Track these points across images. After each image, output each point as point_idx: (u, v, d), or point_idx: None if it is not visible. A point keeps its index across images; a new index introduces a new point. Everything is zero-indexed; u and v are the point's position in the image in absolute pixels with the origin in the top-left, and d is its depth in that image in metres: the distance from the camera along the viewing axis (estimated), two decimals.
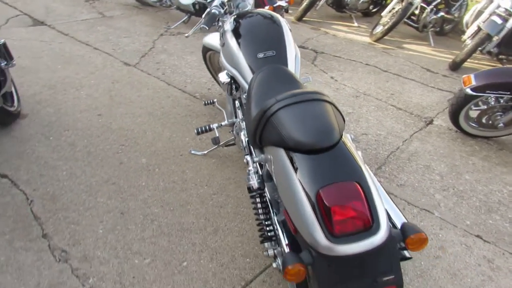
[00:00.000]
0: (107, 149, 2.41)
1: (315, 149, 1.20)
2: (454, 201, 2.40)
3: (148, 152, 2.43)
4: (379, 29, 5.02)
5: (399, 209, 1.41)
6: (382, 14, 5.06)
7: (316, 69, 4.01)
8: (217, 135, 2.19)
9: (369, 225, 1.07)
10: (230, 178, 2.30)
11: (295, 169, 1.19)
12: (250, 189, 1.51)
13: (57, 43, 3.72)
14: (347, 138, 1.32)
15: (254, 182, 1.50)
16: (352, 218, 1.06)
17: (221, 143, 2.33)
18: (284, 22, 2.01)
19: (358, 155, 1.25)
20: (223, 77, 2.00)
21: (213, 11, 1.93)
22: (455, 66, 4.35)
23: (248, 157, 1.66)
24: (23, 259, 1.68)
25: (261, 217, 1.49)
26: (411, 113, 3.35)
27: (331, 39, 4.97)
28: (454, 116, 2.99)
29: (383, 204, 1.12)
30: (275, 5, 3.83)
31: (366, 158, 2.71)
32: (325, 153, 1.20)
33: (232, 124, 2.22)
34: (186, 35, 2.02)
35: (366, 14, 6.06)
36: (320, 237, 1.06)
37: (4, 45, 1.98)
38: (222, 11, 1.95)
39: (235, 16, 2.06)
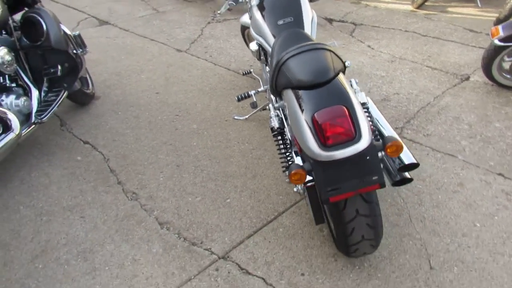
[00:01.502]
0: (164, 119, 2.86)
1: (313, 84, 1.50)
2: (480, 145, 2.55)
3: (198, 120, 2.85)
4: None
5: (392, 128, 1.70)
6: None
7: (353, 40, 4.20)
8: (255, 100, 2.52)
9: (353, 136, 1.36)
10: (268, 136, 2.64)
11: (299, 102, 1.51)
12: (272, 129, 1.84)
13: (120, 38, 4.28)
14: (344, 78, 1.60)
15: (275, 123, 1.82)
16: (339, 131, 1.36)
17: (259, 108, 2.67)
18: None
19: (351, 89, 1.53)
20: (252, 46, 2.35)
21: None
22: (500, 23, 4.30)
23: (270, 105, 1.99)
24: (104, 199, 2.17)
25: (282, 151, 1.82)
26: (446, 72, 3.46)
27: (371, 11, 5.09)
28: (487, 69, 3.07)
29: (367, 121, 1.41)
30: None
31: (396, 114, 2.91)
32: (322, 88, 1.50)
33: (266, 90, 2.56)
34: (218, 11, 2.37)
35: None
36: (315, 148, 1.37)
37: (79, 35, 2.48)
38: None
39: None
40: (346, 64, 2.68)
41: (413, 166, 1.69)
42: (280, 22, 2.13)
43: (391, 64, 3.64)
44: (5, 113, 2.11)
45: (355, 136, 1.37)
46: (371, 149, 1.38)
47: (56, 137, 2.65)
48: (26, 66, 2.39)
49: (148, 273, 1.76)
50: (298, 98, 1.53)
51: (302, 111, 1.47)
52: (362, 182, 1.38)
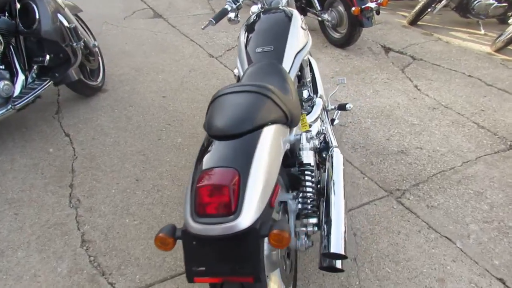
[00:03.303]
0: (154, 126, 2.75)
1: (221, 135, 1.25)
2: (492, 236, 2.06)
3: (186, 134, 2.69)
4: (504, 36, 4.37)
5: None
6: (510, 21, 4.40)
7: (401, 76, 3.75)
8: None
9: (230, 212, 1.09)
10: None
11: (202, 153, 1.27)
12: None
13: (162, 33, 4.27)
14: (272, 134, 1.31)
15: None
16: (215, 201, 1.10)
17: None
18: (297, 19, 2.01)
19: (271, 147, 1.25)
20: (236, 70, 2.12)
21: (225, 6, 2.04)
22: None
23: None
24: (47, 199, 2.10)
25: None
26: (494, 134, 2.91)
27: (440, 46, 4.53)
28: None
29: (260, 197, 1.12)
30: (363, 6, 3.72)
31: (405, 172, 2.49)
32: (230, 141, 1.24)
33: None
34: (202, 27, 2.18)
35: (502, 21, 5.30)
36: (187, 214, 1.13)
37: (75, 28, 2.45)
38: (235, 6, 2.05)
39: (261, 11, 2.15)
40: (347, 106, 2.36)
41: (341, 256, 1.37)
42: (259, 49, 1.88)
43: (431, 112, 3.16)
44: None
45: (233, 212, 1.09)
46: (251, 232, 1.10)
47: (43, 124, 2.66)
48: (23, 51, 2.41)
49: None
50: (205, 147, 1.29)
51: (199, 164, 1.23)
52: (232, 270, 1.11)
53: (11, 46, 2.37)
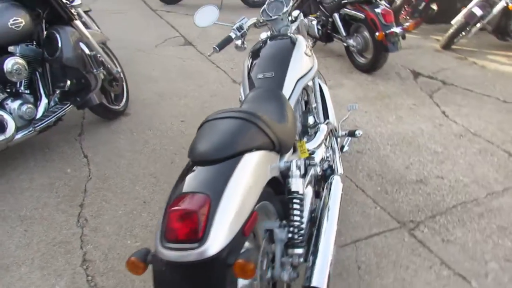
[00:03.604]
0: (169, 149, 2.80)
1: (202, 160, 1.25)
2: None
3: None
4: None
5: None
6: None
7: (429, 101, 3.61)
8: None
9: (196, 239, 1.07)
10: None
11: (181, 177, 1.27)
12: None
13: (190, 60, 4.40)
14: (253, 160, 1.29)
15: None
16: (182, 227, 1.09)
17: None
18: (301, 45, 2.01)
19: (251, 173, 1.23)
20: (240, 94, 2.13)
21: (230, 33, 2.07)
22: None
23: None
24: (57, 218, 2.17)
25: None
26: None
27: (474, 70, 4.35)
28: None
29: (230, 224, 1.10)
30: (387, 31, 3.67)
31: (422, 203, 2.37)
32: (208, 167, 1.23)
33: None
34: (208, 54, 2.21)
35: None
36: (157, 239, 1.12)
37: (94, 56, 2.58)
38: (239, 34, 2.07)
39: (268, 37, 2.17)
40: (356, 133, 2.30)
41: None
42: (260, 75, 1.89)
43: (457, 140, 3.01)
44: (3, 116, 2.27)
45: (200, 239, 1.07)
46: (216, 260, 1.07)
47: (65, 145, 2.79)
48: (49, 77, 2.56)
49: None
50: (185, 172, 1.29)
51: (175, 189, 1.23)
52: None
53: (37, 73, 2.53)
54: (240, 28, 2.04)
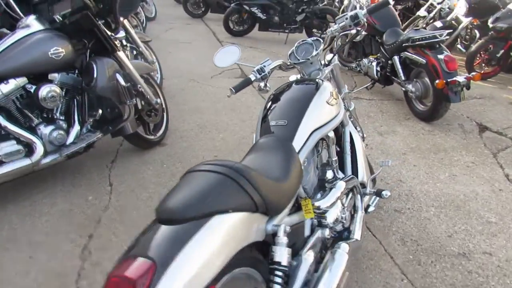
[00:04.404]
0: None
1: (164, 219, 1.13)
2: None
3: None
4: None
5: None
6: None
7: (491, 161, 3.19)
8: None
9: None
10: None
11: (140, 236, 1.15)
12: None
13: (240, 93, 4.36)
14: (232, 221, 1.15)
15: None
16: None
17: None
18: (324, 93, 1.84)
19: (219, 239, 1.09)
20: (252, 140, 2.00)
21: (250, 75, 1.96)
22: None
23: None
24: (64, 247, 2.16)
25: None
26: None
27: None
28: None
29: None
30: (449, 80, 3.35)
31: (460, 282, 2.02)
32: (173, 226, 1.11)
33: None
34: (228, 94, 2.11)
35: None
36: None
37: (128, 88, 2.61)
38: (259, 76, 1.95)
39: (294, 81, 2.04)
40: (383, 194, 2.03)
41: None
42: (273, 122, 1.75)
43: None
44: (33, 141, 2.36)
45: None
46: None
47: (95, 171, 2.83)
48: (86, 105, 2.64)
49: None
50: (146, 229, 1.18)
51: (128, 249, 1.12)
52: None
53: (75, 100, 2.62)
54: (260, 71, 1.92)
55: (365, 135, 2.65)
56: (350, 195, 1.97)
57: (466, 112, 4.05)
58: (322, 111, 1.79)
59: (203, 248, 1.06)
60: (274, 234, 1.33)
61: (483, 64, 5.12)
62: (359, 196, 2.03)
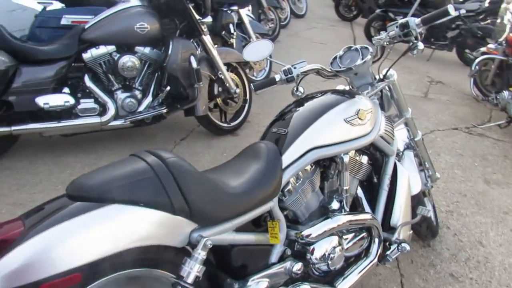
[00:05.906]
0: None
1: (68, 194, 1.11)
2: None
3: None
4: None
5: None
6: None
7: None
8: None
9: None
10: None
11: (44, 204, 1.16)
12: None
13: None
14: (138, 217, 1.08)
15: None
16: None
17: None
18: (344, 110, 1.58)
19: (104, 230, 1.04)
20: None
21: (276, 75, 1.76)
22: None
23: None
24: None
25: None
26: None
27: None
28: None
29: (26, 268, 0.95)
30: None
31: None
32: (75, 203, 1.07)
33: None
34: (257, 92, 1.91)
35: None
36: None
37: (197, 70, 2.61)
38: (284, 78, 1.73)
39: (330, 90, 1.80)
40: (403, 246, 1.63)
41: None
42: (274, 129, 1.59)
43: None
44: (108, 103, 2.62)
45: None
46: None
47: (162, 143, 2.98)
48: (164, 80, 2.80)
49: None
50: (52, 199, 1.17)
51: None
52: None
53: (156, 74, 2.80)
54: (287, 72, 1.71)
55: (438, 175, 2.20)
56: (361, 235, 1.65)
57: None
58: (334, 129, 1.53)
59: (81, 230, 1.01)
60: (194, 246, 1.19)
61: None
62: (376, 240, 1.68)
